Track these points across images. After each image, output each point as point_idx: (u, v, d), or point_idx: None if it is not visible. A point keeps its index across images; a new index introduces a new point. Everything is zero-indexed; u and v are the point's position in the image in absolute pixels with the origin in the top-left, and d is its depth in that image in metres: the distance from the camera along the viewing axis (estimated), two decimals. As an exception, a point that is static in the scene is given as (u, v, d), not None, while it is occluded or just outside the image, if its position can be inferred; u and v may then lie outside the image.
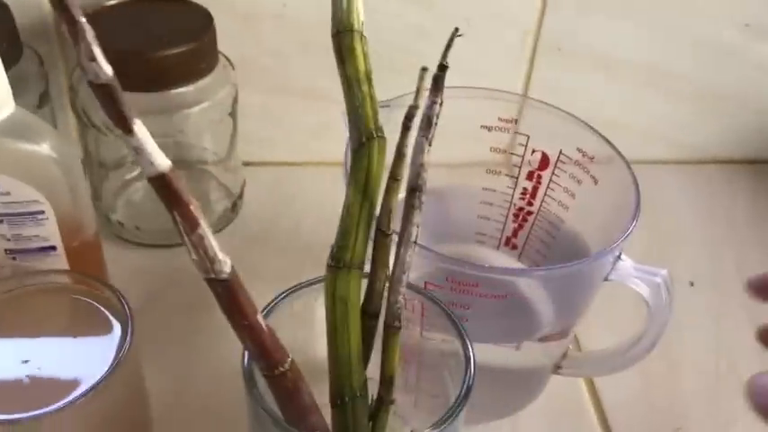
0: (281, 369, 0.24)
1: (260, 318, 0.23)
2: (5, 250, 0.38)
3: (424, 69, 0.23)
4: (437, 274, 0.32)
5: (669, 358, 0.44)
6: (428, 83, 0.25)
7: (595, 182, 0.37)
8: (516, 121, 0.39)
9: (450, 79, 0.53)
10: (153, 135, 0.47)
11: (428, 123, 0.25)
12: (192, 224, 0.21)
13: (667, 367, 0.44)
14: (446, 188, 0.43)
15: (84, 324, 0.32)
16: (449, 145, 0.41)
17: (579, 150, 0.38)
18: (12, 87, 0.38)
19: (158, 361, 0.41)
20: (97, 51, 0.19)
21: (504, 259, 0.42)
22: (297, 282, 0.28)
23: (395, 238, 0.26)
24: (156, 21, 0.43)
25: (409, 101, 0.34)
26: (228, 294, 0.23)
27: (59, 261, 0.38)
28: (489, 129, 0.40)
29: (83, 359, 0.30)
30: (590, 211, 0.38)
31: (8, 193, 0.36)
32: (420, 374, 0.33)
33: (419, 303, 0.29)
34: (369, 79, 0.25)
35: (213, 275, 0.22)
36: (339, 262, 0.26)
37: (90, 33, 0.19)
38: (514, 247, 0.42)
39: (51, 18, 0.48)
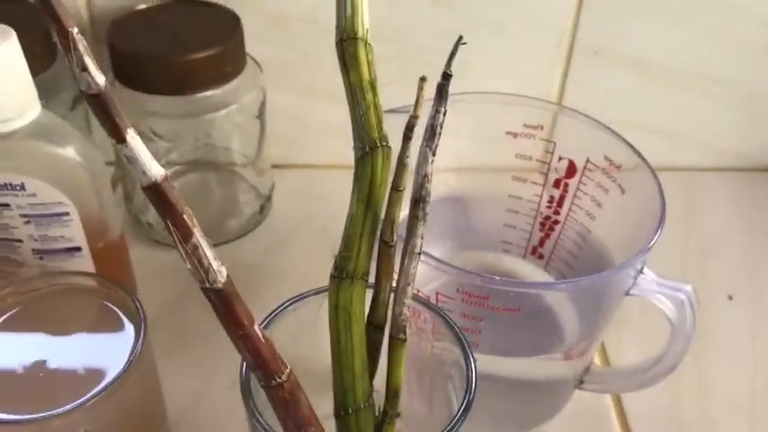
0: (279, 380, 0.24)
1: (257, 328, 0.23)
2: (32, 250, 0.38)
3: (423, 79, 0.23)
4: (448, 285, 0.31)
5: (701, 374, 0.42)
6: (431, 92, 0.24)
7: (622, 191, 0.36)
8: (542, 127, 0.39)
9: (484, 83, 0.53)
10: (181, 137, 0.48)
11: (432, 133, 0.24)
12: (186, 234, 0.21)
13: (698, 383, 0.42)
14: (471, 195, 0.42)
15: (102, 325, 0.33)
16: (473, 151, 0.41)
17: (606, 158, 0.37)
18: (45, 89, 0.38)
19: (182, 361, 0.42)
20: (89, 61, 0.19)
21: (529, 269, 0.42)
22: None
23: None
24: (183, 24, 0.44)
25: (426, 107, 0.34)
26: (224, 304, 0.23)
27: (85, 262, 0.39)
28: (515, 135, 0.39)
29: (97, 361, 0.31)
30: (616, 222, 0.37)
31: (34, 195, 0.36)
32: (432, 386, 0.32)
33: (430, 315, 0.29)
34: (373, 87, 0.25)
35: (208, 285, 0.22)
36: (342, 272, 0.25)
37: (82, 44, 0.19)
38: (541, 256, 0.41)
39: (88, 21, 0.48)
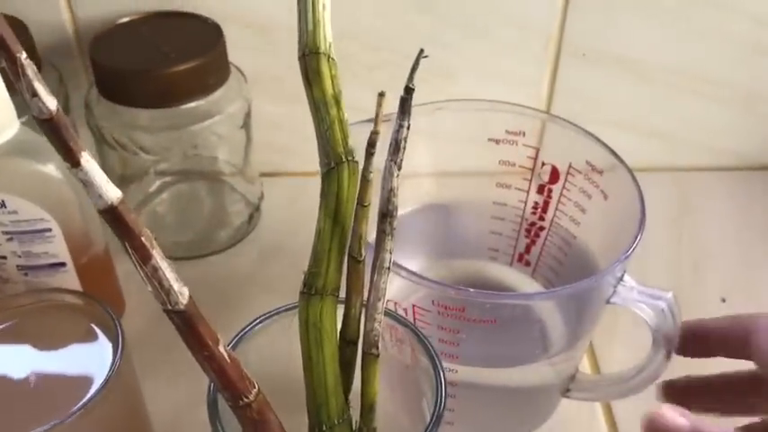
0: (246, 400, 0.23)
1: (222, 348, 0.23)
2: (17, 266, 0.38)
3: (382, 95, 0.22)
4: (424, 297, 0.31)
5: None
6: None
7: (605, 196, 0.36)
8: (524, 133, 0.38)
9: (472, 88, 0.53)
10: (167, 150, 0.48)
11: (396, 147, 0.24)
12: (145, 256, 0.21)
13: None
14: (456, 203, 0.42)
15: (84, 343, 0.32)
16: (457, 158, 0.40)
17: (588, 163, 0.36)
18: (24, 105, 0.39)
19: (170, 373, 0.41)
20: (39, 87, 0.19)
21: (516, 277, 0.41)
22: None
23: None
24: (165, 36, 0.44)
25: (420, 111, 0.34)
26: (187, 325, 0.22)
27: (69, 277, 0.39)
28: (497, 141, 0.39)
29: (79, 378, 0.31)
30: (600, 227, 0.37)
31: (15, 212, 0.36)
32: (414, 399, 0.32)
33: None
34: (337, 102, 0.24)
35: (170, 307, 0.22)
36: (311, 288, 0.25)
37: (31, 69, 0.19)
38: (527, 263, 0.41)
39: (74, 35, 0.48)
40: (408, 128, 0.24)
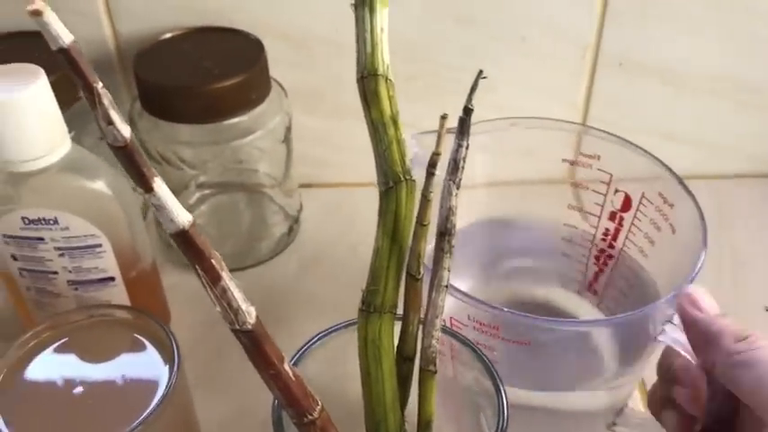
0: (310, 417, 0.24)
1: (287, 366, 0.23)
2: (68, 281, 0.39)
3: (444, 117, 0.23)
4: (461, 311, 0.31)
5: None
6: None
7: (673, 230, 0.35)
8: (599, 157, 0.38)
9: (509, 98, 0.53)
10: (209, 164, 0.48)
11: (455, 167, 0.24)
12: (215, 278, 0.22)
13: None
14: (524, 220, 0.42)
15: (138, 359, 0.33)
16: (528, 176, 0.40)
17: (660, 195, 0.36)
18: (74, 121, 0.39)
19: (216, 388, 0.42)
20: (114, 115, 0.20)
21: (582, 305, 0.41)
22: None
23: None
24: (207, 52, 0.44)
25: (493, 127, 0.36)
26: (254, 345, 0.23)
27: (118, 291, 0.40)
28: (571, 163, 0.39)
29: (133, 395, 0.31)
30: (666, 262, 0.36)
31: (67, 228, 0.37)
32: (461, 413, 0.32)
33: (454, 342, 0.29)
34: (395, 122, 0.25)
35: (238, 327, 0.22)
36: (370, 306, 0.26)
37: (107, 98, 0.19)
38: (595, 292, 0.40)
39: (115, 51, 0.49)
40: (467, 147, 0.24)
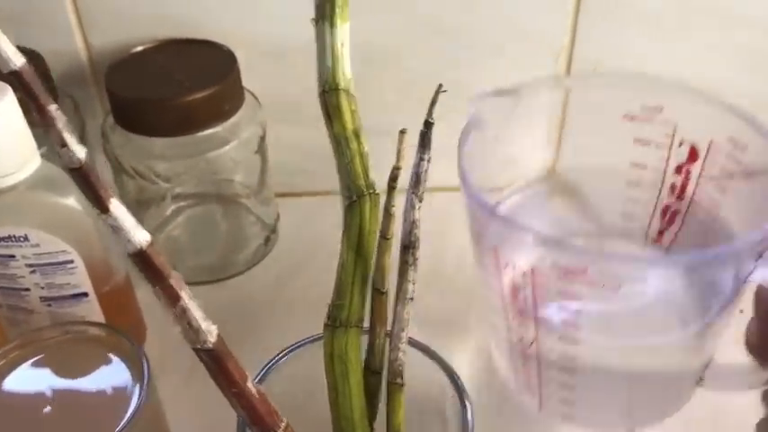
0: (275, 434, 0.24)
1: (250, 384, 0.23)
2: (40, 298, 0.39)
3: (403, 132, 0.23)
4: (543, 260, 0.29)
5: None
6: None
7: (748, 175, 0.34)
8: (662, 109, 0.36)
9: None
10: (184, 176, 0.48)
11: (417, 180, 0.24)
12: (174, 297, 0.22)
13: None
14: (586, 180, 0.40)
15: (109, 376, 0.33)
16: (588, 136, 0.38)
17: (731, 140, 0.34)
18: (44, 137, 0.39)
19: (193, 401, 0.42)
20: (68, 137, 0.19)
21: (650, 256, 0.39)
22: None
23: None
24: (179, 64, 0.44)
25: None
26: (215, 363, 0.23)
27: (92, 306, 0.40)
28: (632, 118, 0.37)
29: (104, 412, 0.31)
30: (743, 209, 0.34)
31: (38, 245, 0.37)
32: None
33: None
34: (357, 136, 0.25)
35: (199, 346, 0.22)
36: (336, 321, 0.26)
37: (61, 120, 0.19)
38: (662, 246, 0.39)
39: (88, 63, 0.49)
40: (429, 161, 0.24)
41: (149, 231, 0.51)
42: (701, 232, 0.37)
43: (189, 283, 0.51)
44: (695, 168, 0.36)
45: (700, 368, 0.35)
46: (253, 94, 0.47)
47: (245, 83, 0.46)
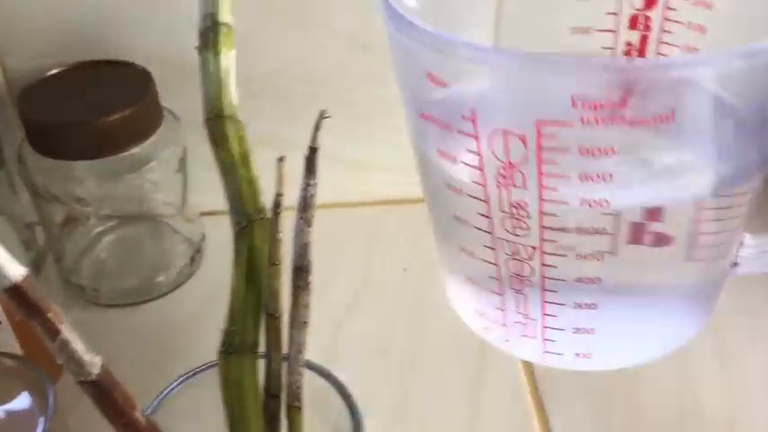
0: (167, 463, 0.24)
1: (138, 414, 0.23)
2: (-48, 327, 0.38)
3: (281, 159, 0.23)
4: (556, 104, 0.22)
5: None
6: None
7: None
8: None
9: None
10: (104, 199, 0.47)
11: (305, 205, 0.24)
12: (53, 332, 0.21)
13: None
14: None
15: (16, 411, 0.32)
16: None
17: None
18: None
19: None
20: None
21: None
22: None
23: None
24: (95, 86, 0.44)
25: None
26: (101, 395, 0.23)
27: (6, 335, 0.39)
28: None
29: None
30: (730, 41, 0.27)
31: (-55, 274, 0.36)
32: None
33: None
34: (245, 162, 0.25)
35: (82, 378, 0.22)
36: (230, 347, 0.26)
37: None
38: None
39: (5, 86, 0.48)
40: (315, 185, 0.24)
41: (75, 255, 0.51)
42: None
43: (114, 306, 0.51)
44: (655, 14, 0.29)
45: (734, 247, 0.30)
46: (173, 113, 0.47)
47: (165, 102, 0.46)
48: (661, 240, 0.28)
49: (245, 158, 0.25)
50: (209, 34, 0.25)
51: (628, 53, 0.31)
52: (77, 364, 0.22)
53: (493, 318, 0.33)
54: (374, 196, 0.55)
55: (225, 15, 0.25)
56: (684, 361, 0.38)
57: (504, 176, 0.26)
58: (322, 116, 0.23)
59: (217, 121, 0.24)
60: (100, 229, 0.50)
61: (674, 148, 0.26)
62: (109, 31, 0.46)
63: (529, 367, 0.41)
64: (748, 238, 0.30)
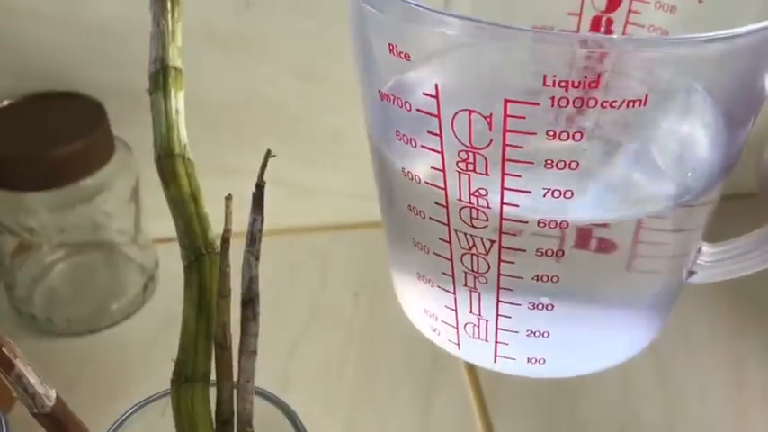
0: (120, 492, 0.24)
1: (92, 444, 0.24)
2: None
3: (229, 198, 0.24)
4: (526, 80, 0.20)
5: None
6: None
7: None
8: None
9: (358, 145, 0.54)
10: (57, 230, 0.48)
11: (253, 239, 0.25)
12: (7, 365, 0.22)
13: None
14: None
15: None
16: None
17: None
18: None
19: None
20: None
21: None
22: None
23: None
24: (47, 118, 0.44)
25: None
26: (55, 426, 0.23)
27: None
28: None
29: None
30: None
31: None
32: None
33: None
34: (195, 199, 0.26)
35: (36, 410, 0.23)
36: (181, 376, 0.27)
37: None
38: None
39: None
40: (262, 221, 0.25)
41: (27, 284, 0.51)
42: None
43: (67, 335, 0.51)
44: (619, 15, 0.28)
45: (693, 258, 0.29)
46: (125, 143, 0.48)
47: (117, 131, 0.46)
48: (608, 247, 0.27)
49: (195, 196, 0.26)
50: (159, 77, 0.26)
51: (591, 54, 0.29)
52: (32, 396, 0.23)
53: (443, 318, 0.31)
54: (323, 222, 0.57)
55: (175, 59, 0.26)
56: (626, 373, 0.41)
57: (465, 161, 0.25)
58: (268, 155, 0.25)
59: (167, 160, 0.25)
60: (52, 257, 0.50)
61: (643, 140, 0.25)
62: (60, 62, 0.47)
63: (475, 380, 0.43)
64: (706, 246, 0.30)
